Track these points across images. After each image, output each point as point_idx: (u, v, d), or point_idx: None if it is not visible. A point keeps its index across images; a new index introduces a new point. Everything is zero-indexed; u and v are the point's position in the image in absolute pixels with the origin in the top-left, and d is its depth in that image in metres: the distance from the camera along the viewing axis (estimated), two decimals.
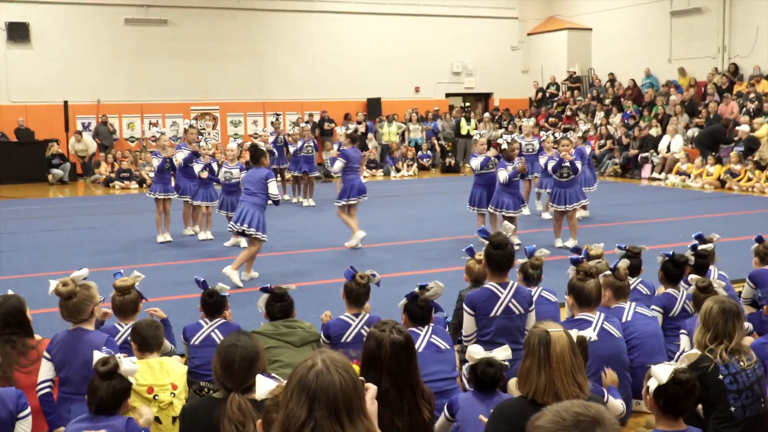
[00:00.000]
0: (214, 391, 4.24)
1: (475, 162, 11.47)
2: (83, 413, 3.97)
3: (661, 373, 3.51)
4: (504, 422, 3.40)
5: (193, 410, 3.74)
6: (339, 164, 11.60)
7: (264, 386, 2.95)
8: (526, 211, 13.59)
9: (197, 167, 12.27)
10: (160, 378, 4.65)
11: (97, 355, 4.00)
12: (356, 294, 5.43)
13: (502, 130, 12.05)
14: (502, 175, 10.89)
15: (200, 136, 12.82)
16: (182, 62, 24.34)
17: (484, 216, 11.49)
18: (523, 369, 3.43)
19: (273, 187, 9.22)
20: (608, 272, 5.62)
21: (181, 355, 5.68)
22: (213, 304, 5.50)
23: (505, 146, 11.17)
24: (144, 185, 20.94)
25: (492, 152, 11.49)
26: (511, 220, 10.83)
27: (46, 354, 4.63)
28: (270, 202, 9.38)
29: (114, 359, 3.94)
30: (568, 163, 11.10)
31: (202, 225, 12.64)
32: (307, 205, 16.78)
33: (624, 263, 5.73)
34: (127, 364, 3.97)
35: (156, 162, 12.60)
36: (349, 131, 11.89)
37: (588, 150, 13.85)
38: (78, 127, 23.30)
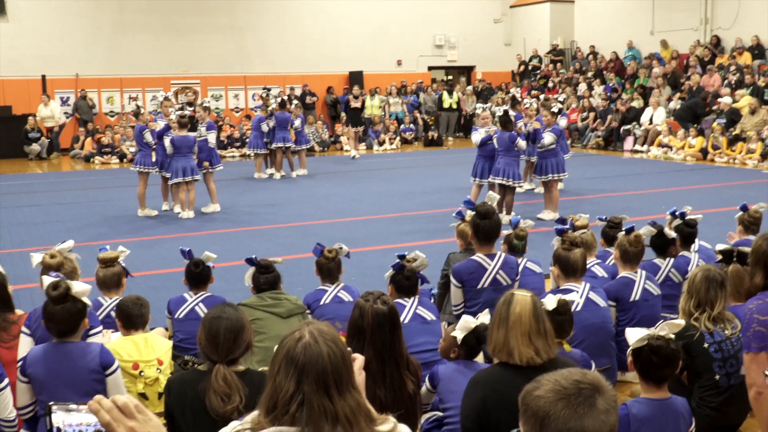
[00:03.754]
0: (198, 365, 4.21)
1: (476, 136, 11.57)
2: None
3: (631, 336, 3.52)
4: (479, 389, 3.47)
5: (179, 383, 3.71)
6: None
7: None
8: (526, 186, 13.64)
9: (166, 140, 12.09)
10: (146, 354, 4.61)
11: (47, 280, 4.00)
12: (327, 268, 5.54)
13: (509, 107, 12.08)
14: (475, 137, 11.44)
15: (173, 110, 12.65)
16: (162, 35, 24.04)
17: (480, 188, 11.50)
18: (489, 327, 3.58)
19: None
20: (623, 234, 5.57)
21: (165, 329, 5.65)
22: (199, 274, 5.45)
23: (479, 112, 11.79)
24: (125, 160, 20.77)
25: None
26: (510, 189, 10.91)
27: (24, 329, 4.53)
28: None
29: (64, 282, 3.98)
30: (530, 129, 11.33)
31: (184, 203, 12.21)
32: (297, 175, 17.01)
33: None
34: (78, 285, 4.00)
35: (161, 123, 12.38)
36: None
37: (563, 123, 13.80)
38: (57, 102, 23.00)
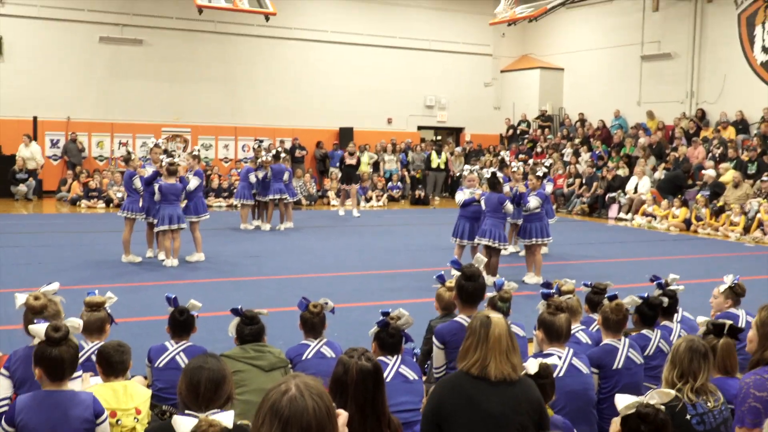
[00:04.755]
0: (176, 414, 4.15)
1: (459, 196, 11.67)
2: None
3: (620, 402, 3.50)
4: (445, 391, 3.76)
5: None
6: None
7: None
8: (511, 248, 13.71)
9: (155, 186, 12.12)
10: (124, 402, 4.54)
11: (39, 328, 3.96)
12: (311, 323, 5.52)
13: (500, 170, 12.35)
14: (458, 196, 11.63)
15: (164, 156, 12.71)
16: (155, 83, 24.24)
17: (463, 249, 11.54)
18: (463, 348, 3.83)
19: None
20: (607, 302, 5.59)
21: (144, 377, 5.58)
22: (183, 322, 5.41)
23: (465, 174, 11.96)
24: (111, 205, 20.72)
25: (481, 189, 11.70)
26: (496, 251, 10.94)
27: (3, 371, 4.50)
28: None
29: (64, 325, 3.98)
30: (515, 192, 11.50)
31: (168, 251, 12.19)
32: (285, 228, 16.94)
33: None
34: (72, 321, 4.06)
35: (149, 170, 12.40)
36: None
37: (549, 188, 13.92)
38: (47, 144, 23.05)
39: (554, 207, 17.93)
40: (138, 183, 12.24)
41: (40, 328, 3.98)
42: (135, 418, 4.52)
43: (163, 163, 12.32)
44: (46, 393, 3.97)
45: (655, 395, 3.41)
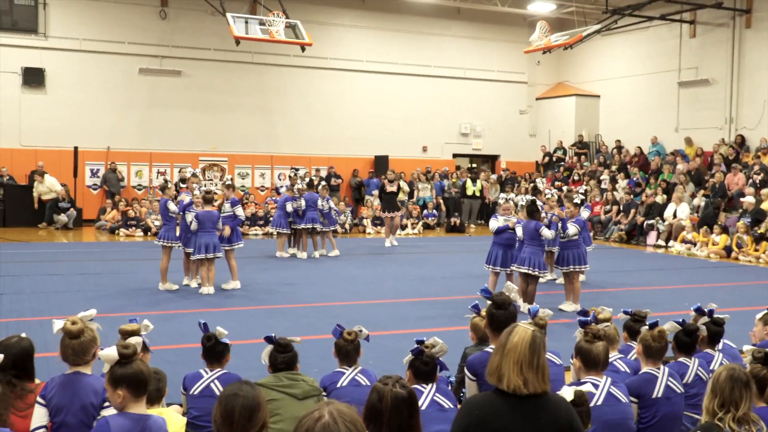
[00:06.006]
0: None
1: (494, 223, 11.61)
2: None
3: None
4: (466, 412, 3.57)
5: None
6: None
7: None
8: (549, 276, 13.60)
9: (189, 216, 12.27)
10: None
11: (110, 353, 3.93)
12: (346, 350, 5.49)
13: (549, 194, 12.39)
14: (492, 223, 11.58)
15: (198, 185, 12.87)
16: (193, 113, 24.62)
17: (497, 276, 11.46)
18: (492, 353, 3.69)
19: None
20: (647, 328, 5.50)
21: (179, 405, 5.59)
22: (211, 348, 5.42)
23: (501, 202, 11.90)
24: (149, 233, 20.97)
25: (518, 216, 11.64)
26: (534, 279, 10.86)
27: (39, 399, 4.49)
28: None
29: (132, 345, 3.99)
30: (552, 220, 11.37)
31: (205, 279, 12.27)
32: (333, 255, 17.10)
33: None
34: (106, 352, 3.97)
35: (187, 198, 12.52)
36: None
37: (586, 215, 13.76)
38: (87, 173, 23.46)
39: (591, 234, 17.77)
40: (173, 207, 12.34)
41: (110, 351, 3.94)
42: None
43: (197, 192, 12.45)
44: (137, 416, 3.90)
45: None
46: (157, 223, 20.51)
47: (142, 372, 3.93)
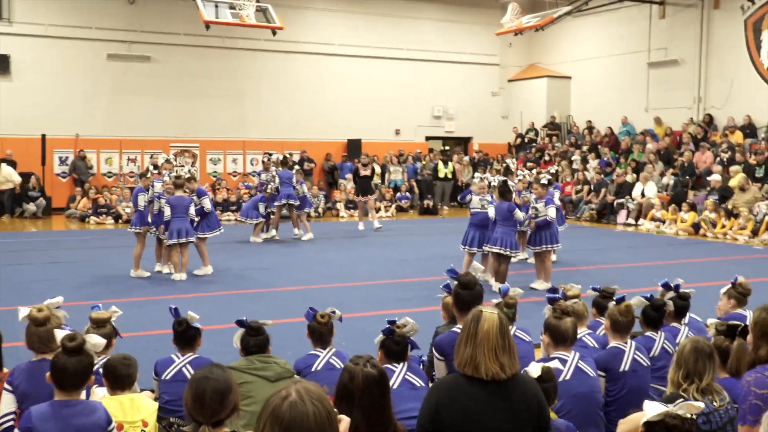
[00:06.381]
0: (183, 426, 4.16)
1: (467, 197, 12.10)
2: None
3: (649, 409, 3.46)
4: (439, 394, 3.64)
5: None
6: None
7: None
8: (521, 255, 13.69)
9: (158, 204, 12.25)
10: (131, 415, 4.55)
11: (59, 333, 3.98)
12: (319, 332, 5.52)
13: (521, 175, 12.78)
14: (466, 196, 12.15)
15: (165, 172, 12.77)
16: (163, 99, 24.36)
17: (473, 256, 11.56)
18: (457, 343, 3.73)
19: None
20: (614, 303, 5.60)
21: (152, 390, 5.59)
22: (182, 333, 5.42)
23: (476, 181, 12.26)
24: (120, 221, 20.80)
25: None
26: (506, 258, 10.96)
27: (6, 386, 4.49)
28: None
29: (80, 335, 3.99)
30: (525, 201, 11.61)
31: (177, 265, 12.22)
32: (307, 239, 17.02)
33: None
34: (93, 338, 4.01)
35: (158, 185, 12.37)
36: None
37: (556, 195, 13.85)
38: (55, 161, 23.19)
39: (563, 213, 17.91)
40: (141, 201, 12.32)
41: (58, 334, 4.02)
42: (142, 430, 4.52)
43: (166, 178, 12.37)
44: (63, 403, 3.98)
45: (684, 406, 3.37)
46: (128, 210, 20.36)
47: (77, 371, 3.96)
